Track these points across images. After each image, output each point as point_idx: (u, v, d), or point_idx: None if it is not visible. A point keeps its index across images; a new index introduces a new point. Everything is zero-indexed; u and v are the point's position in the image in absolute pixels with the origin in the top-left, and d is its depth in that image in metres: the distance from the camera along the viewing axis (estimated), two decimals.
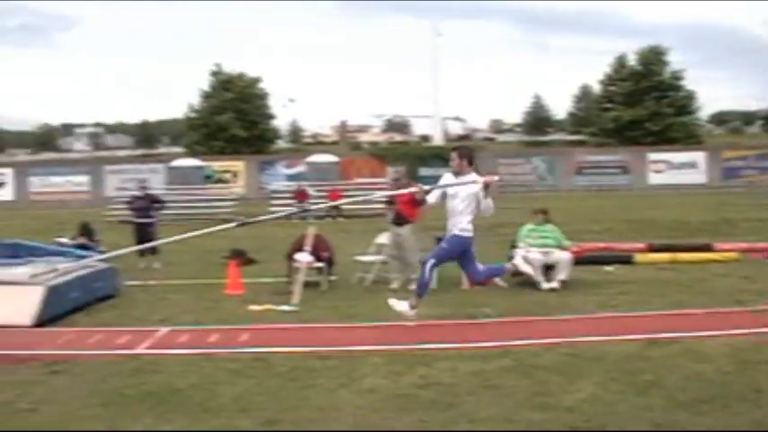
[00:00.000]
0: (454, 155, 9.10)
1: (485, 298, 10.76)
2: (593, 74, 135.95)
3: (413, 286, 11.51)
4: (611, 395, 6.10)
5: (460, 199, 8.83)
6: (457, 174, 8.97)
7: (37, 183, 45.94)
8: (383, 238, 12.70)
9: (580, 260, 12.42)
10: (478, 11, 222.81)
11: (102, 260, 12.04)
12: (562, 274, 11.54)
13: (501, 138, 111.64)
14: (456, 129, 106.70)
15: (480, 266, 9.37)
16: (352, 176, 38.27)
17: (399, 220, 11.90)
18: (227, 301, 11.13)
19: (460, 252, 9.03)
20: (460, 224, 8.85)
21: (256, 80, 63.57)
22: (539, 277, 11.51)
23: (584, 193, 41.46)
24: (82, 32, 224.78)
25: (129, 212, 16.90)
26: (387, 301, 8.99)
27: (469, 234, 8.95)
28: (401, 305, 8.83)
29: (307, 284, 11.23)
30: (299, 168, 40.82)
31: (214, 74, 62.89)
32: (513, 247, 12.12)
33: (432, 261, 8.88)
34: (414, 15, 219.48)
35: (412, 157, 42.51)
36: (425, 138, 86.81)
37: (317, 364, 7.29)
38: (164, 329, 9.10)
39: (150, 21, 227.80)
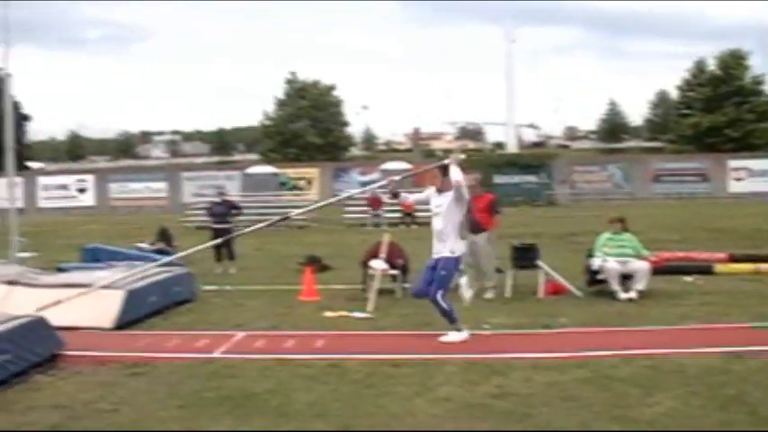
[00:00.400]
0: (438, 172, 9.12)
1: (561, 307, 10.64)
2: (671, 79, 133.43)
3: (488, 295, 11.50)
4: (691, 409, 5.96)
5: (441, 217, 8.77)
6: (440, 191, 8.96)
7: (116, 189, 47.09)
8: None
9: (659, 270, 12.15)
10: (552, 16, 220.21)
11: (166, 264, 12.10)
12: (640, 284, 11.32)
13: (576, 145, 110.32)
14: (530, 136, 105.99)
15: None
16: (426, 184, 38.13)
17: (475, 228, 11.84)
18: (302, 307, 11.21)
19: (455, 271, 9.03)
20: (449, 246, 8.72)
21: (331, 88, 64.16)
22: (616, 287, 11.33)
23: (661, 202, 40.72)
24: (159, 42, 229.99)
25: (207, 218, 17.17)
26: (439, 340, 8.72)
27: (460, 253, 8.86)
28: (451, 336, 8.71)
29: (381, 292, 11.24)
30: (373, 175, 40.93)
31: (289, 82, 63.69)
32: (590, 256, 11.96)
33: (440, 292, 8.71)
34: (486, 21, 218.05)
35: (486, 164, 42.14)
36: (499, 145, 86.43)
37: (391, 372, 7.29)
38: (240, 334, 9.21)
39: (225, 30, 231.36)
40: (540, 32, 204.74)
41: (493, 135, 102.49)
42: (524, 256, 12.28)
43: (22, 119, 56.03)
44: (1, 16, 13.89)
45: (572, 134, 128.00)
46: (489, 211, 11.99)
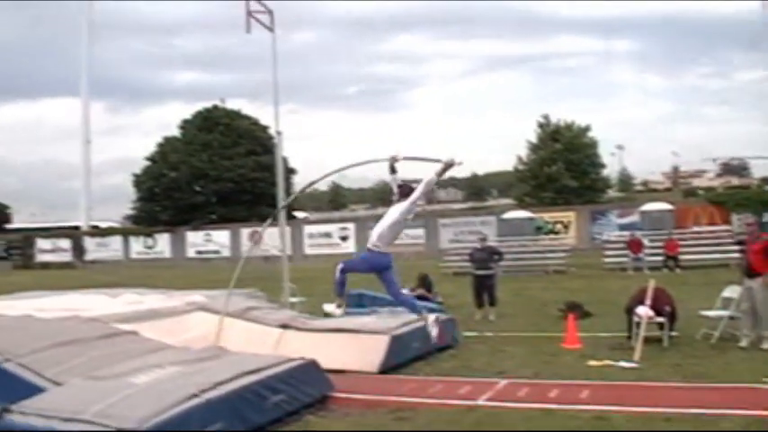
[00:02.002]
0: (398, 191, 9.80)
1: None
2: None
3: (765, 345, 10.68)
4: None
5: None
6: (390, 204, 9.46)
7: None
8: (730, 292, 11.90)
9: None
10: None
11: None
12: None
13: None
14: None
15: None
16: (689, 225, 36.44)
17: (750, 273, 11.08)
18: (565, 355, 10.95)
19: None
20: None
21: (585, 129, 63.10)
22: None
23: None
24: (413, 94, 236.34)
25: (469, 264, 17.28)
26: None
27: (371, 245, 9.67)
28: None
29: (646, 340, 10.78)
30: (632, 218, 39.57)
31: (541, 126, 63.37)
32: None
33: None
34: (746, 47, 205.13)
35: (755, 201, 39.52)
36: None
37: (662, 427, 6.97)
38: (503, 382, 9.13)
39: (475, 78, 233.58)
40: None
41: (760, 170, 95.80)
42: None
43: (289, 172, 59.61)
44: (271, 81, 15.30)
45: None
46: (766, 254, 11.13)
